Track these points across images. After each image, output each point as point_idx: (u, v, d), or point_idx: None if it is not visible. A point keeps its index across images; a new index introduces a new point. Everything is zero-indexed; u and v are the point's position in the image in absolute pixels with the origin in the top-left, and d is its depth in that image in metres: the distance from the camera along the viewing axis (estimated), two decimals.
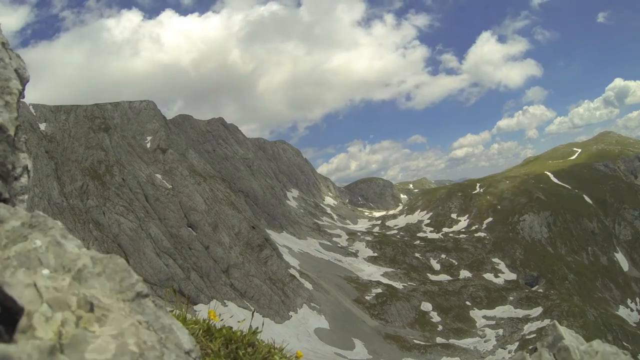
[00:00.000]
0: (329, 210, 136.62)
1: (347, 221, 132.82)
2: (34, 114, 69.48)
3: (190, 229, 63.44)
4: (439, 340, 65.20)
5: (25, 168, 2.11)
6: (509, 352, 59.27)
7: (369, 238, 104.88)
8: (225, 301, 56.66)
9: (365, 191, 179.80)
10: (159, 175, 68.40)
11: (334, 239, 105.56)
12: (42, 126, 67.76)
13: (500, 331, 66.81)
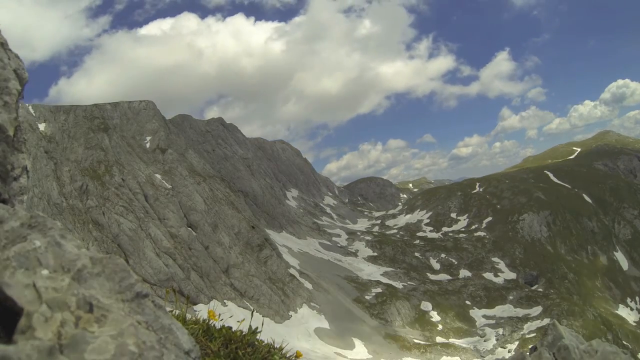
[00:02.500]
0: (328, 210, 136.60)
1: (347, 221, 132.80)
2: (33, 114, 69.40)
3: (190, 229, 63.40)
4: (438, 339, 65.20)
5: (25, 168, 2.10)
6: (509, 351, 59.28)
7: (368, 238, 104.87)
8: (225, 301, 56.65)
9: (365, 191, 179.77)
10: (158, 175, 68.35)
11: (334, 238, 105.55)
12: (42, 126, 67.67)
13: (500, 330, 66.81)
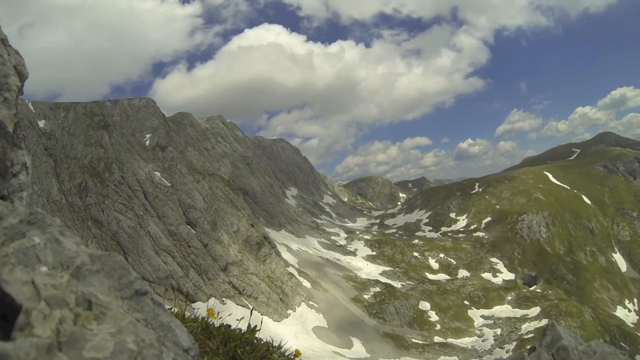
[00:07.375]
0: (327, 209, 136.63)
1: (346, 220, 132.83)
2: (33, 111, 69.32)
3: (189, 226, 63.39)
4: (437, 339, 65.26)
5: (24, 165, 2.10)
6: (507, 351, 59.36)
7: (367, 237, 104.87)
8: (224, 299, 56.65)
9: (364, 190, 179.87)
10: (158, 173, 68.31)
11: (333, 237, 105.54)
12: (41, 123, 67.60)
13: (498, 331, 66.89)
